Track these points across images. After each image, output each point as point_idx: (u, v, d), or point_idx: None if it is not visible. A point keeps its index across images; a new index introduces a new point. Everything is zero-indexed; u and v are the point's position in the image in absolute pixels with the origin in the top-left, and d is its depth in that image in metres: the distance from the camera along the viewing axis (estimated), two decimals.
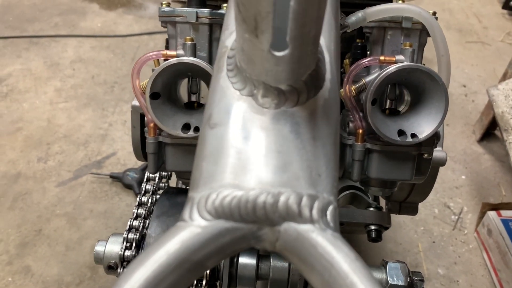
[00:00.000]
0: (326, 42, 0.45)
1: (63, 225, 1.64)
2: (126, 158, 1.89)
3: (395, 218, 1.71)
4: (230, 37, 0.45)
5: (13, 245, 1.56)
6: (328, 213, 0.39)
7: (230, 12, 0.49)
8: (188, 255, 0.38)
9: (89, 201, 1.72)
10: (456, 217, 1.74)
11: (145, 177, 0.90)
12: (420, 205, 1.77)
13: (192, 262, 0.38)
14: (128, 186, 1.76)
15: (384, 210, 0.99)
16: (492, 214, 1.58)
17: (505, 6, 2.82)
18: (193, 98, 0.69)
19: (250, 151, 0.40)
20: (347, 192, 0.98)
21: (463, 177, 1.89)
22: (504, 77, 1.84)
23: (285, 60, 0.37)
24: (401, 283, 0.75)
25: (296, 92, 0.41)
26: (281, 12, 0.33)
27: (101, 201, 1.73)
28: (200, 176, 0.41)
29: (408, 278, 0.75)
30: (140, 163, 1.84)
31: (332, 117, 0.42)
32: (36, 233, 1.61)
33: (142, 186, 0.87)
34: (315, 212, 0.38)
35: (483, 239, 1.62)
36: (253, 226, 0.39)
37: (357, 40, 0.73)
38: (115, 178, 1.78)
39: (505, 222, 1.56)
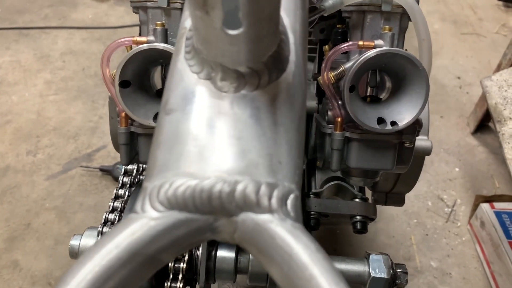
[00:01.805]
0: (291, 22, 0.42)
1: (52, 218, 1.62)
2: (116, 151, 1.87)
3: (388, 210, 1.69)
4: (189, 17, 0.43)
5: (1, 239, 1.54)
6: (289, 202, 0.37)
7: None
8: (139, 248, 0.36)
9: (78, 195, 1.70)
10: (450, 209, 1.72)
11: (122, 170, 0.87)
12: (413, 197, 1.76)
13: (145, 256, 0.36)
14: (118, 179, 1.73)
15: (370, 201, 0.97)
16: (485, 206, 1.57)
17: None
18: None
19: (207, 138, 0.38)
20: (332, 183, 0.95)
21: (457, 169, 1.87)
22: (498, 69, 1.81)
23: (240, 39, 0.34)
24: (383, 275, 0.73)
25: (256, 74, 0.38)
26: None
27: (91, 194, 1.71)
28: (154, 165, 0.38)
29: (391, 270, 0.73)
30: None
31: (296, 101, 0.40)
32: (24, 227, 1.59)
33: (119, 179, 0.85)
34: (274, 201, 0.36)
35: (476, 231, 1.61)
36: (209, 217, 0.36)
37: (337, 26, 0.71)
38: (105, 171, 1.76)
39: (498, 214, 1.54)
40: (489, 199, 1.59)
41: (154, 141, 0.40)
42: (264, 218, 0.36)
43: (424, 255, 1.59)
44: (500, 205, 1.57)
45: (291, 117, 0.39)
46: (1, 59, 2.29)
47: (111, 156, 1.86)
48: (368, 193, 1.03)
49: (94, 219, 1.63)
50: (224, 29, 0.34)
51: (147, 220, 0.36)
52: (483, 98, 1.85)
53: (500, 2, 2.80)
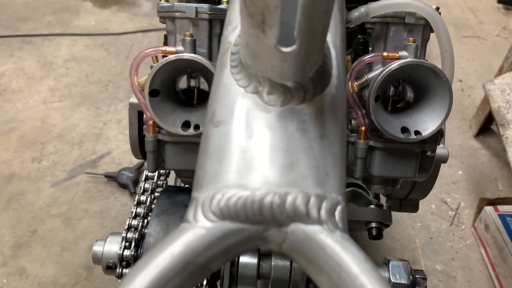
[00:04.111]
0: (332, 37, 0.43)
1: (58, 225, 1.62)
2: (121, 157, 1.87)
3: (392, 214, 1.71)
4: (233, 32, 0.44)
5: (7, 247, 1.54)
6: (337, 213, 0.38)
7: (233, 7, 0.48)
8: (192, 258, 0.37)
9: (84, 201, 1.70)
10: (454, 212, 1.74)
11: (144, 175, 0.88)
12: None
13: (197, 265, 0.37)
14: (123, 186, 1.74)
15: (384, 207, 0.98)
16: (489, 209, 1.58)
17: (500, 0, 2.82)
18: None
19: (256, 150, 0.39)
20: (347, 189, 0.97)
21: (460, 172, 1.89)
22: (500, 72, 1.84)
23: (292, 56, 0.36)
24: (404, 281, 0.74)
25: (302, 89, 0.39)
26: (289, 6, 0.32)
27: (96, 200, 1.71)
28: (204, 175, 0.39)
29: (411, 276, 0.75)
30: (135, 162, 1.82)
31: (339, 114, 0.41)
32: (31, 234, 1.59)
33: (140, 184, 0.86)
34: (323, 213, 0.37)
35: (480, 234, 1.62)
36: (259, 227, 0.37)
37: (359, 36, 0.72)
38: (110, 177, 1.76)
39: (502, 217, 1.56)
40: (493, 202, 1.60)
41: (202, 152, 0.41)
42: (313, 229, 0.37)
43: (429, 259, 1.60)
44: (504, 208, 1.58)
45: (335, 129, 0.41)
46: (4, 67, 2.28)
47: (115, 162, 1.86)
48: (382, 199, 1.05)
49: (99, 226, 1.63)
50: (277, 47, 0.35)
51: (200, 230, 0.37)
52: (485, 101, 1.88)
53: (501, 5, 2.84)
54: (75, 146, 1.91)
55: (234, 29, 0.44)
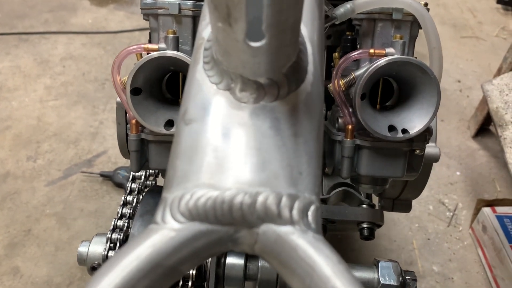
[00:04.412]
0: (309, 32, 0.42)
1: (53, 225, 1.61)
2: (117, 157, 1.86)
3: (389, 215, 1.69)
4: (207, 27, 0.43)
5: (1, 246, 1.53)
6: (310, 213, 0.37)
7: (206, 1, 0.47)
8: (160, 260, 0.36)
9: (79, 200, 1.69)
10: (451, 213, 1.72)
11: (130, 175, 0.87)
12: (415, 201, 1.76)
13: (165, 267, 0.36)
14: (119, 185, 1.73)
15: (376, 207, 0.97)
16: (487, 210, 1.57)
17: (500, 1, 2.81)
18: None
19: (228, 148, 0.38)
20: (339, 189, 0.95)
21: (458, 173, 1.87)
22: (499, 72, 1.82)
23: (262, 51, 0.34)
24: (393, 282, 0.73)
25: (276, 85, 0.38)
26: None
27: (91, 200, 1.70)
28: (174, 175, 0.38)
29: (401, 278, 0.73)
30: None
31: (314, 112, 0.40)
32: (25, 233, 1.58)
33: (127, 185, 0.85)
34: (295, 213, 0.36)
35: (478, 235, 1.61)
36: (229, 228, 0.36)
37: (347, 33, 0.71)
38: (106, 176, 1.75)
39: (500, 218, 1.54)
40: (491, 203, 1.59)
41: (173, 151, 0.40)
42: (285, 229, 0.36)
43: (426, 260, 1.59)
44: (502, 209, 1.57)
45: (310, 127, 0.39)
46: (1, 65, 2.28)
47: (111, 161, 1.85)
48: (375, 199, 1.04)
49: (94, 225, 1.62)
50: (246, 41, 0.34)
51: (168, 231, 0.36)
52: (484, 101, 1.86)
53: (500, 5, 2.82)
54: (70, 145, 1.90)
55: (208, 25, 0.43)
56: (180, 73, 0.66)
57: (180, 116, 0.41)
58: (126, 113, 0.74)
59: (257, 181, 0.36)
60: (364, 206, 0.93)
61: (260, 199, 0.35)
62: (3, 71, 2.24)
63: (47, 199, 1.69)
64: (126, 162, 1.82)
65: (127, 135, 0.75)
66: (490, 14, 2.84)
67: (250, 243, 0.37)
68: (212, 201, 0.36)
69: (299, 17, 0.35)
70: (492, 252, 1.51)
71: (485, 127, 1.99)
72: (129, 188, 0.82)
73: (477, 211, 1.61)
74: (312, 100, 0.40)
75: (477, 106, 1.99)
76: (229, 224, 0.36)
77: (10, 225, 1.60)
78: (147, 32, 2.52)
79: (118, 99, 0.74)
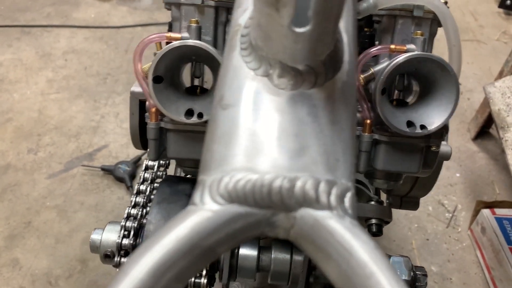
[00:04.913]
0: (345, 23, 0.43)
1: (53, 217, 1.61)
2: (118, 151, 1.86)
3: None
4: (243, 14, 0.43)
5: (1, 237, 1.53)
6: (346, 199, 0.37)
7: None
8: (198, 241, 0.36)
9: (80, 194, 1.69)
10: (450, 214, 1.74)
11: (144, 165, 0.87)
12: None
13: (203, 248, 0.36)
14: (120, 179, 1.73)
15: (385, 204, 0.98)
16: (486, 212, 1.58)
17: (501, 5, 2.83)
18: (196, 82, 0.67)
19: (265, 133, 0.38)
20: None
21: (458, 174, 1.89)
22: (500, 75, 1.84)
23: (305, 37, 0.35)
24: (404, 277, 0.74)
25: (314, 73, 0.39)
26: None
27: (92, 193, 1.70)
28: (212, 158, 0.38)
29: (412, 273, 0.74)
30: (132, 156, 1.81)
31: (349, 100, 0.41)
32: (25, 225, 1.58)
33: (140, 174, 0.85)
34: (333, 198, 0.36)
35: (476, 237, 1.62)
36: (267, 211, 0.37)
37: (365, 29, 0.72)
38: (107, 170, 1.75)
39: (499, 220, 1.56)
40: (490, 205, 1.60)
41: (210, 135, 0.40)
42: (323, 214, 0.36)
43: (425, 260, 1.60)
44: (501, 211, 1.59)
45: (346, 115, 0.40)
46: (2, 57, 2.27)
47: (112, 155, 1.85)
48: (382, 196, 1.04)
49: (95, 219, 1.62)
50: (291, 27, 0.34)
51: (206, 213, 0.36)
52: (484, 104, 1.88)
53: (501, 10, 2.84)
54: (72, 139, 1.89)
55: (244, 11, 0.43)
56: (193, 63, 0.66)
57: (216, 101, 0.41)
58: (140, 103, 0.74)
59: (295, 166, 0.37)
60: (372, 202, 0.94)
61: (299, 183, 0.36)
62: (5, 64, 2.23)
63: (47, 192, 1.68)
64: (127, 157, 1.82)
65: (140, 125, 0.75)
66: (491, 18, 2.86)
67: (286, 227, 0.37)
68: (251, 184, 0.36)
69: (342, 7, 0.36)
70: (491, 253, 1.53)
71: (485, 129, 2.01)
72: (142, 178, 0.83)
73: (476, 212, 1.63)
74: (347, 89, 0.41)
75: (477, 109, 2.00)
76: (268, 207, 0.36)
77: (10, 217, 1.59)
78: (149, 28, 2.50)
79: (132, 89, 0.74)
